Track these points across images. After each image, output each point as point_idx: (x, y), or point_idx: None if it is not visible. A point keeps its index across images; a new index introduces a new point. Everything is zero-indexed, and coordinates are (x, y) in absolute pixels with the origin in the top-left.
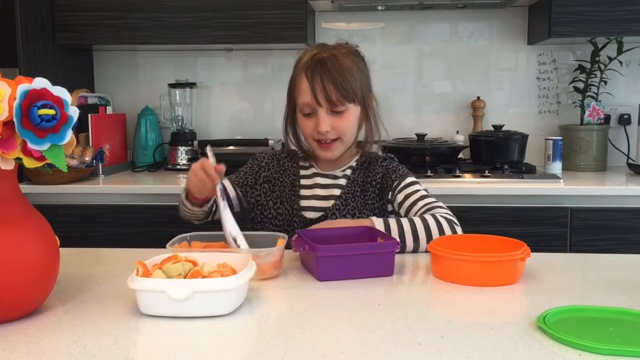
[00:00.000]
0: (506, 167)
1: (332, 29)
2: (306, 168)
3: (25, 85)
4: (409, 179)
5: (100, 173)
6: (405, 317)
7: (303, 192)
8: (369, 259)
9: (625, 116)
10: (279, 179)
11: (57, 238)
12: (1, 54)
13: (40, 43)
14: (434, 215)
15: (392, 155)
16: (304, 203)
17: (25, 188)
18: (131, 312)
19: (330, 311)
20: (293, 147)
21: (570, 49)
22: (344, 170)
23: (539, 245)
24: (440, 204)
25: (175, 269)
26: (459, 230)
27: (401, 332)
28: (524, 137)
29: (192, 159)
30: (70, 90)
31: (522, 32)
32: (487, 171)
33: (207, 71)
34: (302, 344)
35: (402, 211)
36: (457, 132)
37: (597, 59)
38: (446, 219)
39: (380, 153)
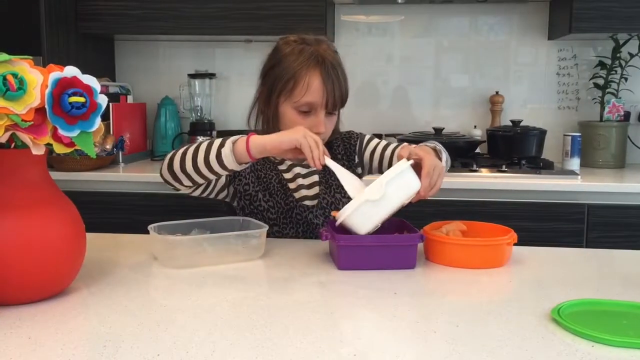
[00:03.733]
0: (523, 162)
1: (352, 22)
2: (280, 162)
3: (56, 73)
4: (367, 137)
5: (121, 161)
6: (421, 306)
7: (289, 185)
8: (390, 250)
9: None
10: (262, 170)
11: (83, 224)
12: (26, 43)
13: (63, 32)
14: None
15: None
16: (295, 195)
17: None
18: (154, 295)
19: (346, 299)
20: None
21: (591, 44)
22: None
23: (555, 240)
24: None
25: None
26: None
27: (417, 321)
28: (542, 133)
29: None
30: None
31: (542, 27)
32: (504, 166)
33: (226, 62)
34: (319, 330)
35: (375, 163)
36: (475, 126)
37: (618, 55)
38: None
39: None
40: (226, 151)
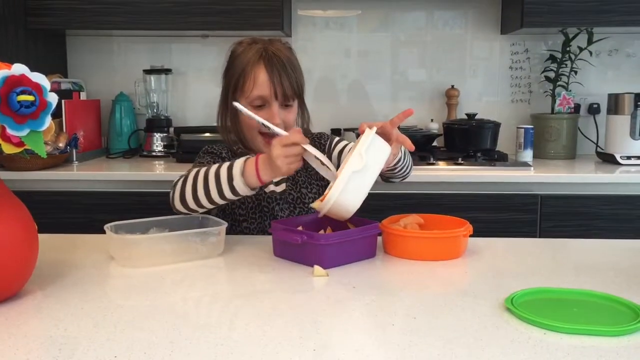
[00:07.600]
0: (479, 154)
1: (308, 16)
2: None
3: (4, 71)
4: (337, 138)
5: (75, 159)
6: (380, 299)
7: None
8: (361, 242)
9: (595, 105)
10: None
11: (35, 224)
12: None
13: (12, 27)
14: None
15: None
16: (265, 190)
17: None
18: (111, 296)
19: (306, 294)
20: (232, 140)
21: (542, 39)
22: None
23: (510, 230)
24: None
25: None
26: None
27: (375, 314)
28: (496, 126)
29: (168, 145)
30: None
31: (495, 21)
32: (460, 159)
33: (183, 57)
34: (278, 326)
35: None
36: (432, 120)
37: (568, 49)
38: None
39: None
40: (240, 185)
